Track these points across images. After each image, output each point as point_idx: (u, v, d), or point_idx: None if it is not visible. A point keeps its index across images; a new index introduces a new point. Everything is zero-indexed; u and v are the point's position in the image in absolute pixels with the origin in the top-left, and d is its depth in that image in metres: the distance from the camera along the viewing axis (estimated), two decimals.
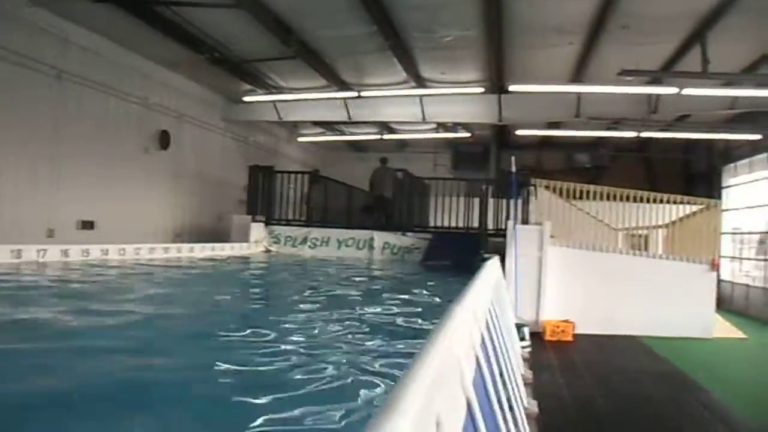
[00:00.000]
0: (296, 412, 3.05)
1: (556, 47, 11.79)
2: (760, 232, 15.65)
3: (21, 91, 10.43)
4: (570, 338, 10.32)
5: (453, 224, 14.43)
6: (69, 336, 4.49)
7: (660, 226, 12.33)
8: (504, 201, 12.96)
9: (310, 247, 14.46)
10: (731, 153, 18.13)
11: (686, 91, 11.89)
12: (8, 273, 7.79)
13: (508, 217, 11.77)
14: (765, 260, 15.31)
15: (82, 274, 8.50)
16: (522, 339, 8.44)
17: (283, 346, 4.48)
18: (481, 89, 14.36)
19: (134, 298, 6.37)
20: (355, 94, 15.12)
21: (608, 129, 17.20)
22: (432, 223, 15.33)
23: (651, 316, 10.98)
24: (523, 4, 10.00)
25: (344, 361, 4.07)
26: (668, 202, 12.09)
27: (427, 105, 15.21)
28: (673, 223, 12.29)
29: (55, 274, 8.27)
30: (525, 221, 11.68)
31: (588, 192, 11.98)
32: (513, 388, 3.88)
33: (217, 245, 13.38)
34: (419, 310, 6.66)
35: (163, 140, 14.40)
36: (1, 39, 9.90)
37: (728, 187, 18.31)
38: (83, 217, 11.82)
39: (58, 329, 4.73)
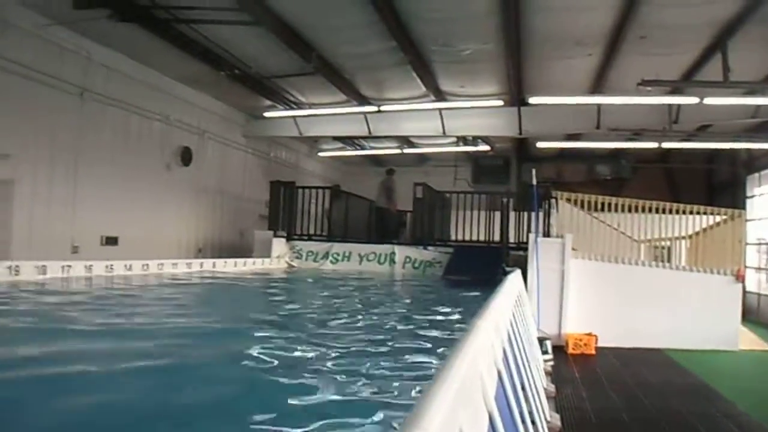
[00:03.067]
0: None
1: (575, 59, 11.79)
2: None
3: (46, 109, 10.60)
4: (593, 351, 10.24)
5: (474, 238, 14.40)
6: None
7: (683, 238, 12.21)
8: (525, 214, 12.93)
9: (331, 262, 14.48)
10: (755, 162, 17.95)
11: (707, 101, 11.81)
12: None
13: (529, 230, 11.73)
14: None
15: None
16: (544, 352, 8.39)
17: None
18: (501, 102, 14.36)
19: None
20: (375, 108, 15.18)
21: (629, 140, 17.07)
22: (453, 237, 15.31)
23: (675, 329, 10.86)
24: (541, 17, 10.01)
25: None
26: (691, 213, 11.98)
27: (447, 119, 15.24)
28: (697, 234, 12.17)
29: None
30: (546, 234, 11.63)
31: (609, 204, 11.92)
32: (535, 402, 3.87)
33: (239, 260, 13.45)
34: None
35: (185, 157, 14.55)
36: (25, 57, 10.08)
37: (752, 197, 18.10)
38: (107, 233, 11.96)
39: None
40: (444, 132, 15.63)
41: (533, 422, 3.23)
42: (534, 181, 11.44)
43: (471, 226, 14.40)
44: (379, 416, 3.00)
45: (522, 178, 20.31)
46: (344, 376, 3.79)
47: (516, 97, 14.18)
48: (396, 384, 3.66)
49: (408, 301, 9.50)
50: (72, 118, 11.17)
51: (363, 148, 21.64)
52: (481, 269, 12.17)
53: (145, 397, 3.25)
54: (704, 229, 12.15)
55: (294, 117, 16.54)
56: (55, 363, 3.85)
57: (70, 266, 8.98)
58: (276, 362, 4.18)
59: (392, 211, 16.89)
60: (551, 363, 8.35)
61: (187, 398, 3.27)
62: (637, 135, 16.60)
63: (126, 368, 3.74)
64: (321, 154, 22.56)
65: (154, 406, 3.11)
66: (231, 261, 13.17)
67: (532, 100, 13.80)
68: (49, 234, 10.61)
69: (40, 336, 4.83)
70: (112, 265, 9.73)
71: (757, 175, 17.90)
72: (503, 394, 2.32)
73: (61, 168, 10.96)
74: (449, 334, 5.40)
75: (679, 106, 13.22)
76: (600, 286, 11.07)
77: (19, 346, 4.38)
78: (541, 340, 8.34)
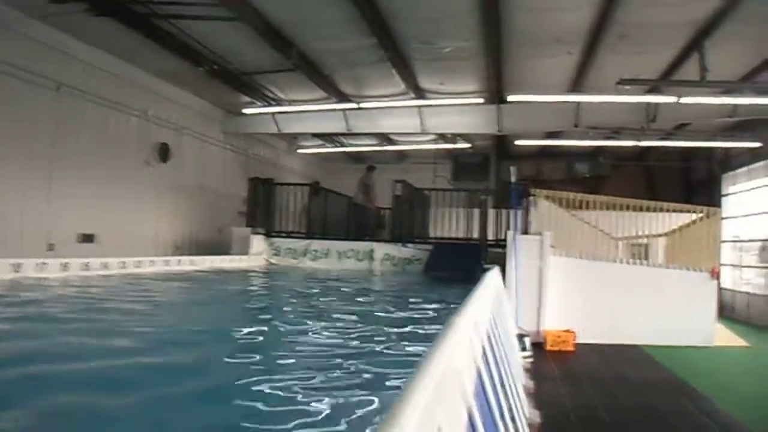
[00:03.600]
0: None
1: (555, 57, 11.82)
2: (761, 240, 15.61)
3: (21, 105, 10.45)
4: (571, 348, 10.27)
5: (453, 235, 14.43)
6: None
7: (660, 235, 12.31)
8: (504, 211, 12.97)
9: (310, 259, 14.45)
10: (731, 161, 18.11)
11: (685, 100, 11.90)
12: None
13: (508, 228, 11.76)
14: (766, 268, 15.26)
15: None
16: (523, 349, 8.42)
17: None
18: (481, 100, 14.37)
19: None
20: (355, 105, 15.12)
21: (607, 138, 17.19)
22: (432, 234, 15.33)
23: (652, 325, 10.93)
24: (521, 15, 10.03)
25: None
26: (668, 210, 12.07)
27: (427, 116, 15.22)
28: (674, 231, 12.27)
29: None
30: (525, 231, 11.66)
31: (588, 201, 11.97)
32: (514, 399, 3.87)
33: (217, 258, 13.37)
34: None
35: (163, 153, 14.41)
36: (1, 53, 9.92)
37: (728, 195, 18.27)
38: (83, 231, 11.81)
39: None
40: (423, 129, 15.62)
41: (512, 419, 3.22)
42: (513, 179, 11.47)
43: (450, 224, 14.45)
44: None
45: (501, 176, 20.32)
46: None
47: (495, 95, 14.19)
48: None
49: None
50: (48, 113, 11.01)
51: (342, 145, 21.60)
52: (461, 266, 12.21)
53: None
54: (681, 227, 12.25)
55: (273, 114, 16.43)
56: None
57: (45, 264, 8.88)
58: None
59: (371, 208, 16.88)
60: (530, 360, 8.38)
61: None
62: (615, 133, 16.74)
63: None
64: (300, 150, 22.49)
65: None
66: (208, 258, 13.09)
67: (512, 98, 13.82)
68: (23, 231, 10.46)
69: None
70: (88, 263, 9.63)
71: (732, 173, 18.07)
72: (482, 391, 2.31)
73: (36, 164, 10.80)
74: None
75: (657, 104, 13.30)
76: (579, 283, 11.12)
77: None
78: (520, 337, 8.37)
